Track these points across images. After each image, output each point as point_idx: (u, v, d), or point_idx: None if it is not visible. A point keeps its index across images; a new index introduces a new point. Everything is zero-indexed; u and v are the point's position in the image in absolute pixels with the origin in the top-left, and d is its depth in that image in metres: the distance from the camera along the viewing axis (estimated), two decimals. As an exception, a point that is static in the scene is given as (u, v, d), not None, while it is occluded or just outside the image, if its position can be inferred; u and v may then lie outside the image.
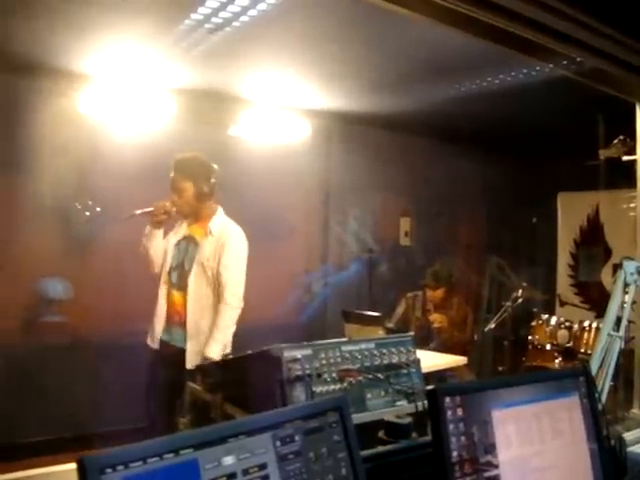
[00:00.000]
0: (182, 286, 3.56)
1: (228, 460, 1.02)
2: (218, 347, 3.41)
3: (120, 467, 0.91)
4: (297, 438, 1.11)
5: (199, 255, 3.54)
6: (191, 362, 3.38)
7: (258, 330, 3.94)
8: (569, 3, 2.01)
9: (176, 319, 3.56)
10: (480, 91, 4.85)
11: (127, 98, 4.56)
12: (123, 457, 0.92)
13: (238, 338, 3.59)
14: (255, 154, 5.22)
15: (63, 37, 3.79)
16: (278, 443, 1.09)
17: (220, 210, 3.66)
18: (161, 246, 3.64)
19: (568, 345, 5.21)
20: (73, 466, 0.89)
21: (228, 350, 3.49)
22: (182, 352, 3.47)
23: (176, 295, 3.58)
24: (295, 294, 5.90)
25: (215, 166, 3.63)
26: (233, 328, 3.53)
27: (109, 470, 0.91)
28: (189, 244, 3.62)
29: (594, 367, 2.00)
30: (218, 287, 3.51)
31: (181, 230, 3.69)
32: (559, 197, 7.10)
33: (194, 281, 3.53)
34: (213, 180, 3.58)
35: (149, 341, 3.62)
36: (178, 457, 0.98)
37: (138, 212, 3.51)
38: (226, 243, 3.52)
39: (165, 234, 3.66)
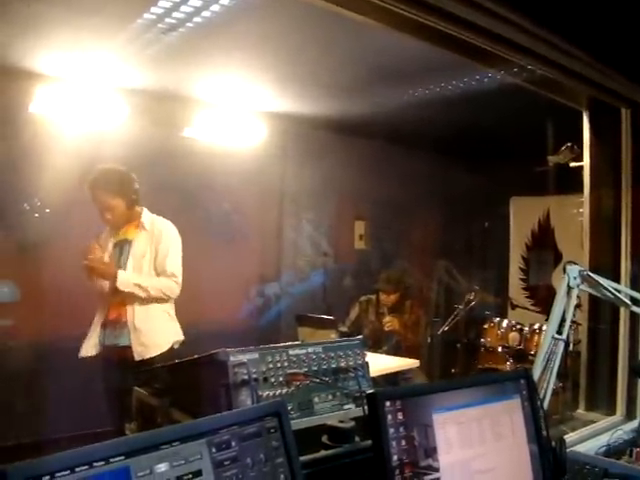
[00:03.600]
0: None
1: (161, 467, 1.00)
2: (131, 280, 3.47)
3: (46, 477, 0.88)
4: (233, 444, 1.10)
5: (133, 251, 3.58)
6: (139, 354, 3.44)
7: (211, 333, 3.93)
8: (520, 14, 2.04)
9: (122, 320, 3.53)
10: (435, 96, 4.89)
11: (79, 98, 4.48)
12: (49, 466, 0.89)
13: (191, 342, 3.60)
14: (210, 156, 5.18)
15: (10, 33, 3.69)
16: (214, 449, 1.07)
17: (145, 210, 3.69)
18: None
19: (519, 347, 5.29)
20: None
21: (181, 336, 3.61)
22: (129, 349, 3.46)
23: (116, 298, 3.55)
24: (249, 298, 5.87)
25: (133, 175, 3.63)
26: (170, 302, 3.59)
27: (34, 481, 0.87)
28: (123, 246, 3.63)
29: (538, 370, 2.02)
30: (157, 276, 3.55)
31: (115, 235, 3.69)
32: (511, 201, 7.22)
33: None
34: (137, 186, 3.61)
35: (84, 351, 3.54)
36: (109, 465, 0.95)
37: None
38: (162, 233, 3.59)
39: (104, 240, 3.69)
